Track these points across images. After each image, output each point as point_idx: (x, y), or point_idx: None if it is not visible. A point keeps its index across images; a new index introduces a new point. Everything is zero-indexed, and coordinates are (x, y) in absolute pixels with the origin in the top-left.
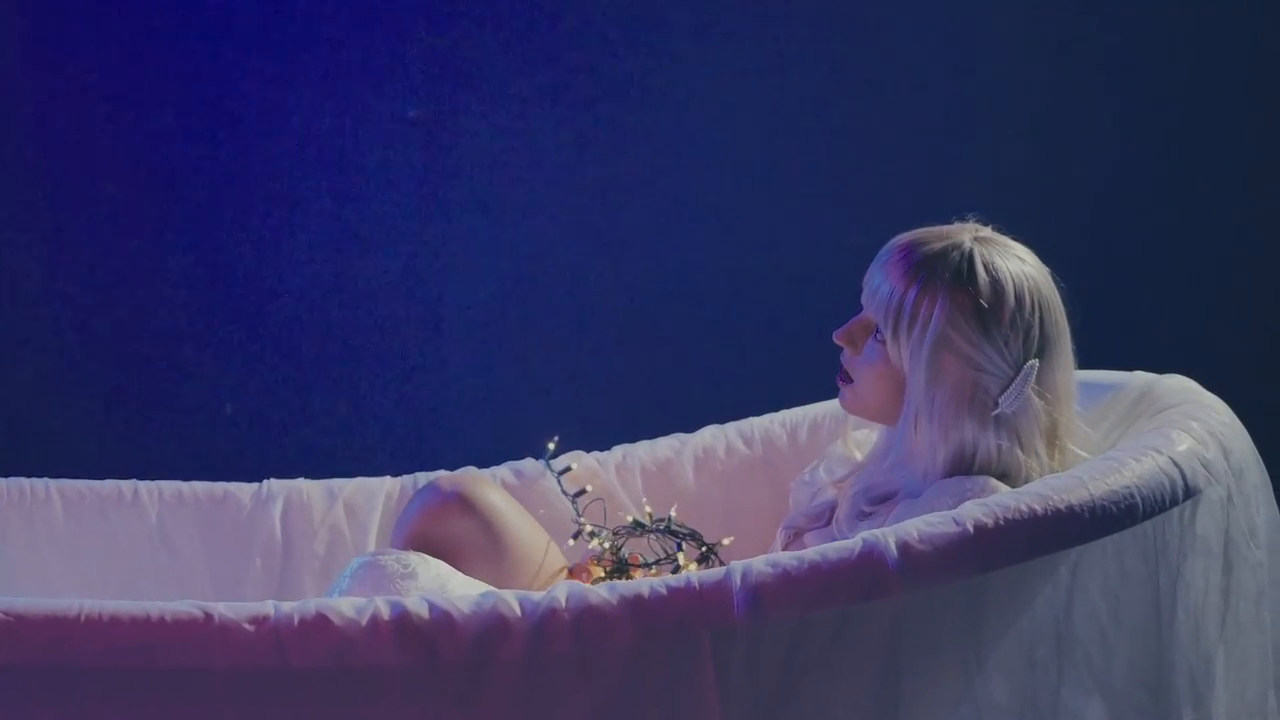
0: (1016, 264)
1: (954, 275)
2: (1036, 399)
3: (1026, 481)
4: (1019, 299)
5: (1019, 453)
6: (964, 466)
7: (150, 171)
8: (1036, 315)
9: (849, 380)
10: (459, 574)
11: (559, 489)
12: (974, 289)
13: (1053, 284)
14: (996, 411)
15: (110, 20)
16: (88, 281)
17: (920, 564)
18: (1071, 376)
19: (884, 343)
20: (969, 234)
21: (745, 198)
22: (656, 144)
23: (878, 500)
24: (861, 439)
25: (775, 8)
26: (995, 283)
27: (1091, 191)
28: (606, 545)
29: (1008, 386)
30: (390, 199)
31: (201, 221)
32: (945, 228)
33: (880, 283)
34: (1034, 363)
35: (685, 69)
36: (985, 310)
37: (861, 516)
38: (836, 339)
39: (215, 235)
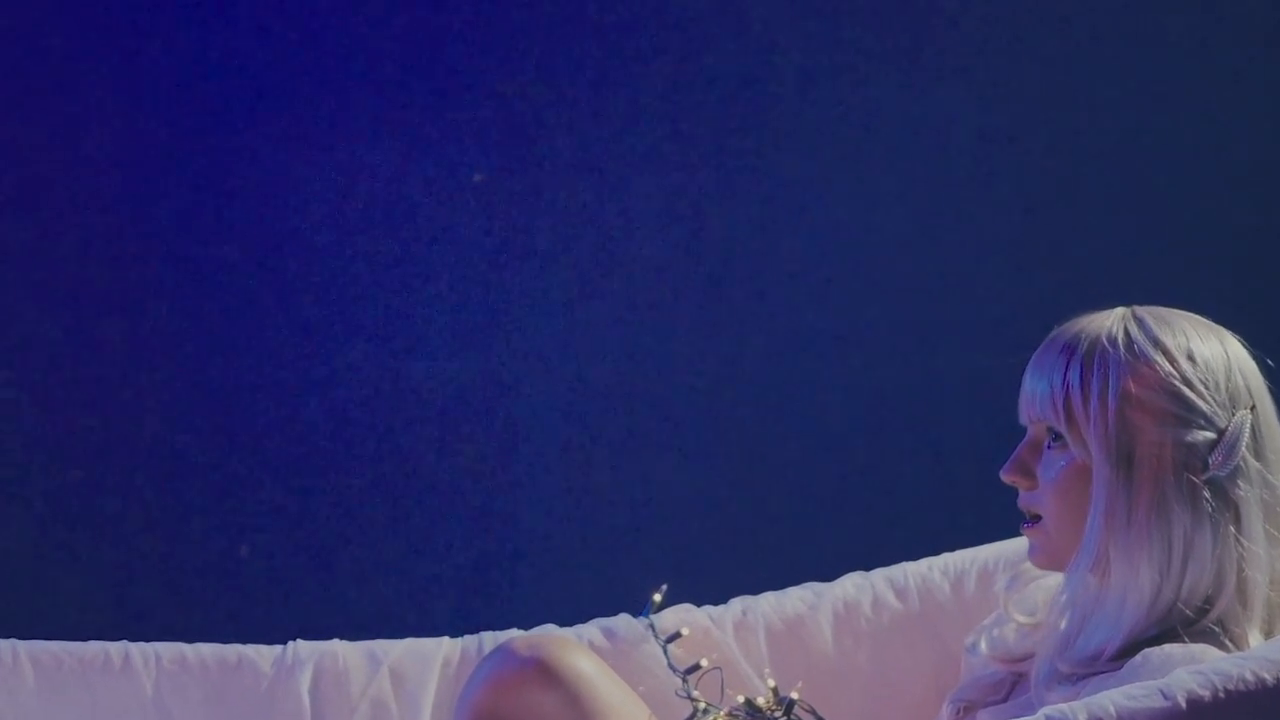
0: (1183, 320)
1: (1123, 336)
2: (1252, 460)
3: (1253, 588)
4: (1201, 347)
5: (1238, 549)
6: (1173, 580)
7: (154, 258)
8: (1224, 366)
9: (1035, 520)
10: None
11: (664, 657)
12: (1146, 340)
13: (1236, 341)
14: (1208, 475)
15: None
16: (67, 390)
17: None
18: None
19: (1063, 442)
20: (1124, 309)
21: (887, 287)
22: (775, 219)
23: (1081, 661)
24: (1030, 600)
25: (912, 50)
26: (1167, 329)
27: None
28: None
29: (1215, 445)
30: (448, 284)
31: (213, 314)
32: (1096, 313)
33: (1037, 382)
34: (1245, 414)
35: (807, 126)
36: (1166, 361)
37: (1061, 679)
38: (1006, 477)
39: (229, 330)
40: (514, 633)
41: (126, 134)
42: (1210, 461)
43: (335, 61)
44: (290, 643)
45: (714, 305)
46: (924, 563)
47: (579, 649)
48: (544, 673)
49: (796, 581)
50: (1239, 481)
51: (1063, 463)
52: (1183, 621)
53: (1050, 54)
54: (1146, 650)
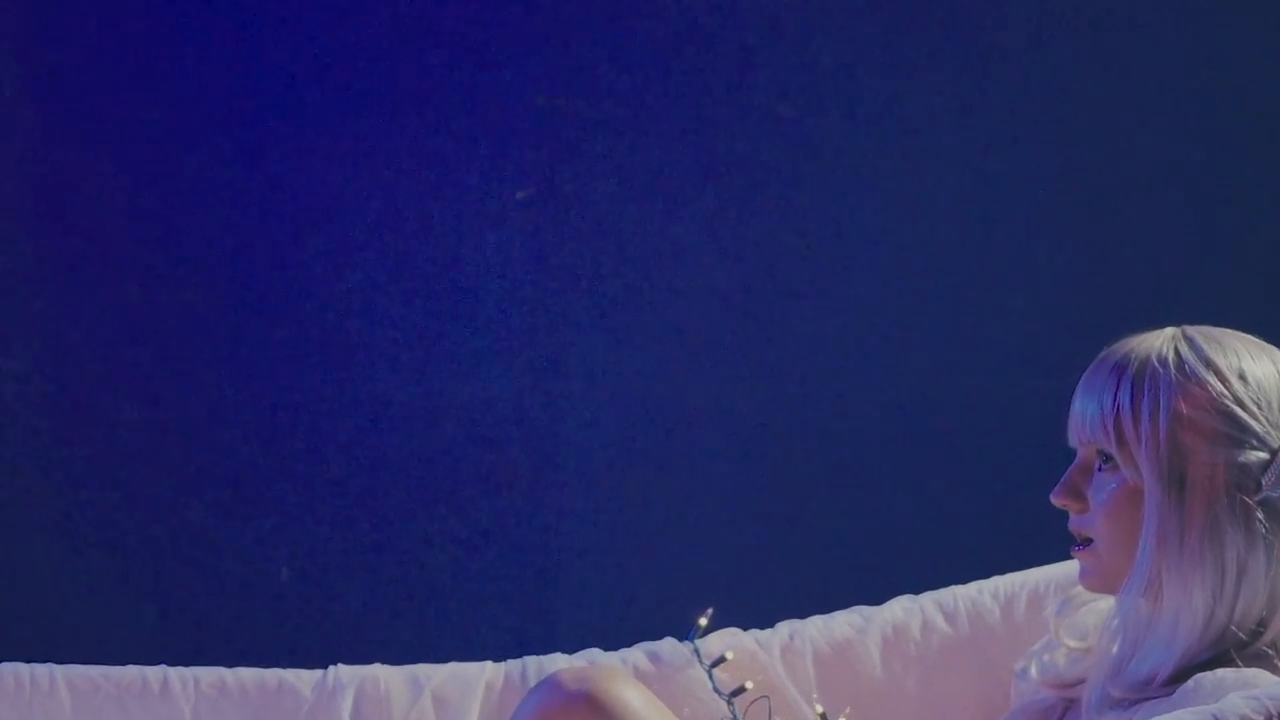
0: (1234, 339)
1: (1173, 356)
2: None
3: None
4: (1253, 366)
5: None
6: (1226, 603)
7: (192, 281)
8: (1276, 385)
9: (1086, 543)
10: None
11: (709, 682)
12: (1197, 360)
13: None
14: (1261, 496)
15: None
16: (104, 413)
17: None
18: None
19: (1113, 464)
20: (1174, 329)
21: (933, 307)
22: (818, 238)
23: (1132, 686)
24: (1081, 624)
25: (957, 68)
26: (1218, 349)
27: None
28: None
29: (1268, 465)
30: (490, 304)
31: (251, 336)
32: (1146, 334)
33: (1087, 404)
34: None
35: (849, 146)
36: (1218, 381)
37: (1112, 705)
38: (1056, 500)
39: (268, 352)
40: (558, 658)
41: (163, 157)
42: (1263, 482)
43: (375, 79)
44: (331, 667)
45: (757, 325)
46: (973, 586)
47: (626, 680)
48: (592, 706)
49: (844, 605)
50: None
51: (1114, 485)
52: (1236, 645)
53: (1100, 69)
54: (1199, 675)
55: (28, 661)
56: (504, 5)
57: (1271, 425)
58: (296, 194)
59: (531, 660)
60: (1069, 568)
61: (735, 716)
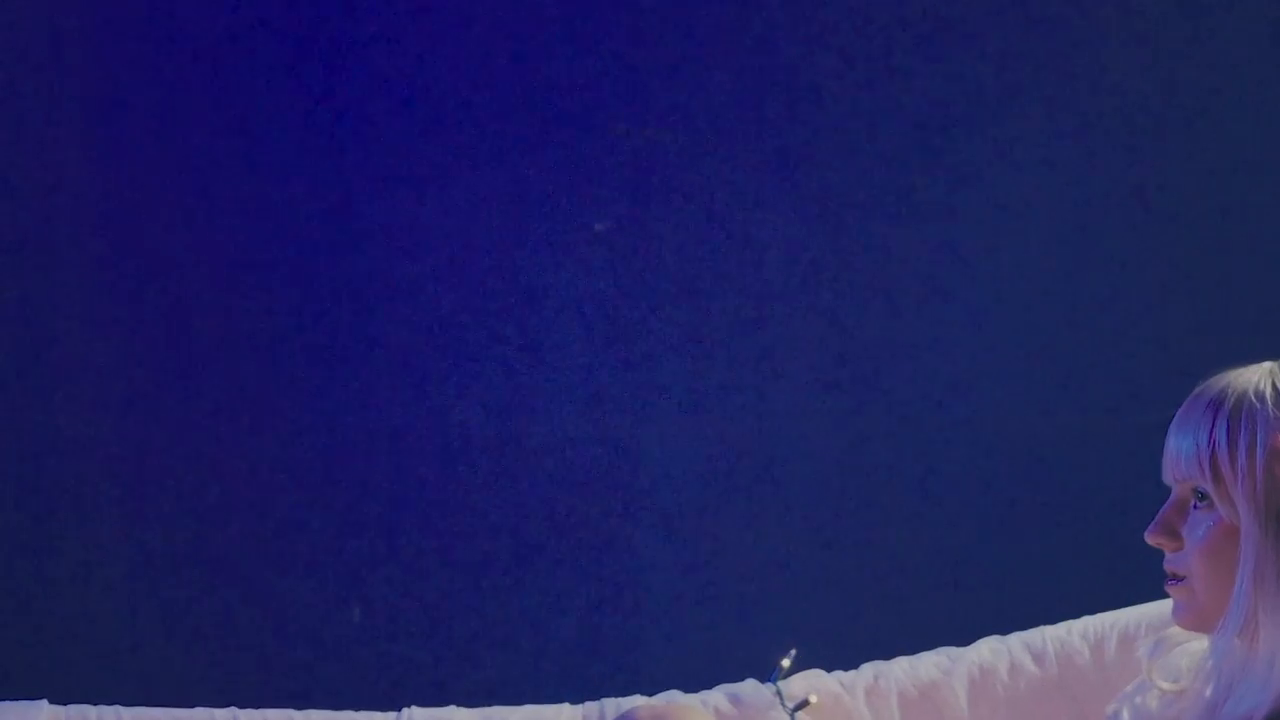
0: None
1: (1271, 392)
2: None
3: None
4: None
5: None
6: None
7: (265, 315)
8: None
9: (1179, 580)
10: None
11: None
12: None
13: None
14: None
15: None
16: (172, 455)
17: None
18: None
19: (1209, 502)
20: (1271, 364)
21: (1022, 342)
22: (919, 270)
23: None
24: (1174, 665)
25: (1054, 100)
26: None
27: None
28: None
29: None
30: (568, 340)
31: (326, 374)
32: (1242, 369)
33: (1182, 440)
34: None
35: (938, 176)
36: None
37: None
38: (1150, 539)
39: (343, 391)
40: (637, 699)
41: (243, 194)
42: None
43: (453, 112)
44: (405, 709)
45: (844, 361)
46: (1063, 626)
47: (704, 719)
48: None
49: (930, 646)
50: None
51: (1209, 523)
52: None
53: (1195, 103)
54: None
55: (94, 704)
56: (581, 38)
57: None
58: (373, 228)
59: (610, 702)
60: (1161, 607)
61: None
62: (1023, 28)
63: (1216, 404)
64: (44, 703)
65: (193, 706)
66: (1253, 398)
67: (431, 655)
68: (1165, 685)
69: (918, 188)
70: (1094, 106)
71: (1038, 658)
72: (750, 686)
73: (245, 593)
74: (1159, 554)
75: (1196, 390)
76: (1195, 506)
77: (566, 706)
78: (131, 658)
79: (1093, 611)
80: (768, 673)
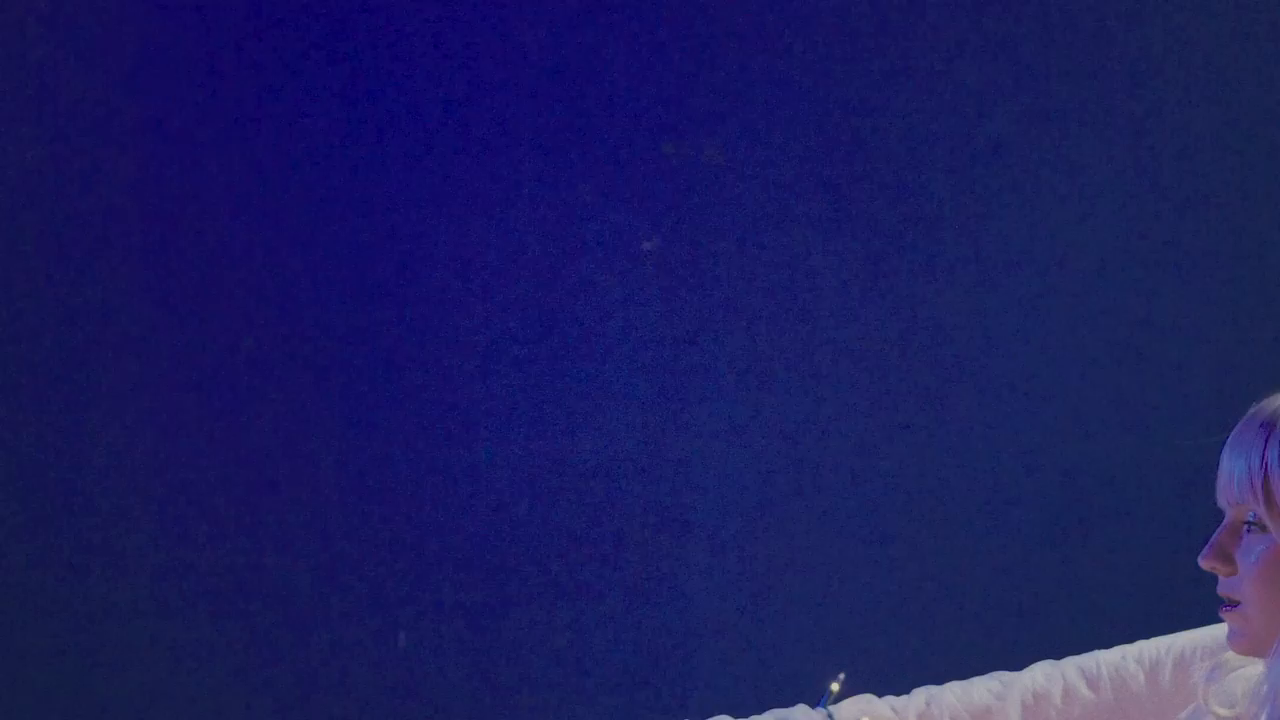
0: None
1: None
2: None
3: None
4: None
5: None
6: None
7: (306, 348)
8: None
9: (1234, 605)
10: None
11: None
12: None
13: None
14: None
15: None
16: (222, 481)
17: None
18: None
19: (1262, 525)
20: None
21: (1075, 368)
22: (975, 290)
23: None
24: (1230, 691)
25: (1114, 99)
26: None
27: None
28: None
29: None
30: (617, 359)
31: (369, 399)
32: None
33: (1235, 462)
34: None
35: (1013, 179)
36: None
37: None
38: (1204, 563)
39: (386, 415)
40: None
41: (285, 227)
42: None
43: (499, 130)
44: None
45: (901, 381)
46: (1117, 650)
47: None
48: None
49: (982, 670)
50: None
51: (1262, 547)
52: None
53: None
54: None
55: None
56: (628, 56)
57: None
58: (423, 250)
59: None
60: (1216, 631)
61: None
62: (1067, 49)
63: (1269, 426)
64: None
65: None
66: None
67: (479, 682)
68: (1221, 711)
69: (971, 209)
70: (1147, 125)
71: (1092, 683)
72: (801, 712)
73: (292, 619)
74: (1214, 577)
75: (1250, 411)
76: (1248, 530)
77: None
78: (175, 685)
79: (1147, 635)
80: (818, 697)
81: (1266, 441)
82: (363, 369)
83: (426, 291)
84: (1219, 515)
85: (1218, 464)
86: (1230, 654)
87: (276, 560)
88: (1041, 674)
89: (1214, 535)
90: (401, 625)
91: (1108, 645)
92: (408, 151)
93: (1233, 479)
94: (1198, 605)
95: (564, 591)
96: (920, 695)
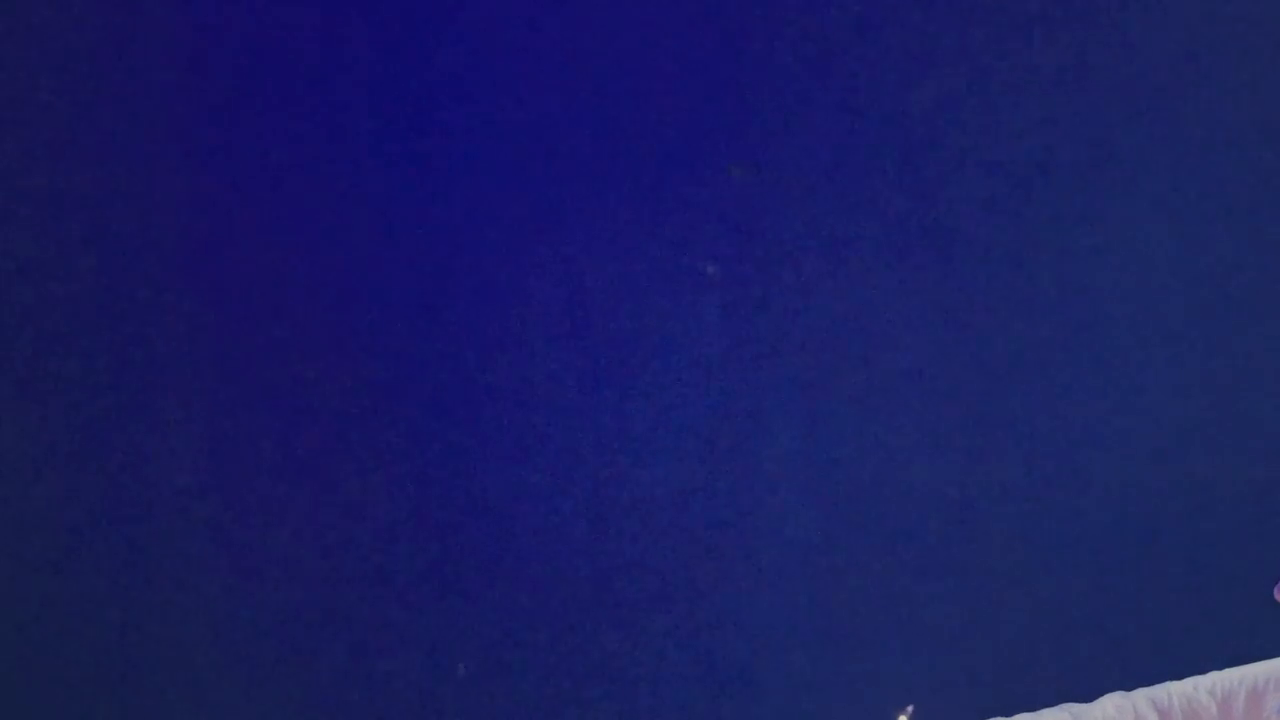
0: None
1: None
2: None
3: None
4: None
5: None
6: None
7: (358, 383)
8: None
9: None
10: None
11: None
12: None
13: None
14: None
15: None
16: (277, 504)
17: None
18: None
19: None
20: None
21: (1155, 392)
22: (1047, 314)
23: None
24: None
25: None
26: None
27: None
28: None
29: None
30: (679, 384)
31: (424, 424)
32: None
33: None
34: None
35: (1086, 211)
36: None
37: None
38: None
39: (441, 442)
40: None
41: (343, 260)
42: None
43: (563, 153)
44: None
45: (968, 406)
46: (1189, 682)
47: None
48: None
49: (1052, 702)
50: None
51: None
52: None
53: None
54: None
55: None
56: (692, 78)
57: None
58: (483, 278)
59: None
60: None
61: None
62: (1135, 80)
63: None
64: None
65: None
66: None
67: (539, 712)
68: None
69: (1035, 239)
70: (1218, 157)
71: (1164, 714)
72: None
73: (351, 648)
74: None
75: None
76: None
77: None
78: (231, 712)
79: (1219, 667)
80: None
81: None
82: (421, 403)
83: (485, 323)
84: None
85: None
86: None
87: (336, 595)
88: (1113, 706)
89: None
90: (462, 655)
91: (1179, 677)
92: (467, 179)
93: None
94: (1272, 637)
95: (625, 620)
96: None
